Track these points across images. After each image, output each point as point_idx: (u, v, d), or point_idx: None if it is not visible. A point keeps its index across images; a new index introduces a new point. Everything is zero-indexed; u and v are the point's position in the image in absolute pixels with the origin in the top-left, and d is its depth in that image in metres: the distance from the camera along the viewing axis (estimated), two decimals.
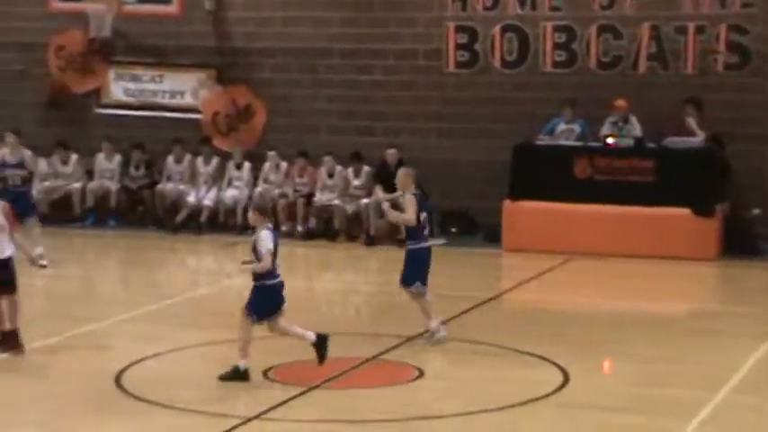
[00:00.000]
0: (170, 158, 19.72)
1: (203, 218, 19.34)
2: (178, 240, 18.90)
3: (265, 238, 10.73)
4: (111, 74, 20.14)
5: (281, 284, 10.98)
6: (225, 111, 19.83)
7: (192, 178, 19.66)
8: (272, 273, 10.82)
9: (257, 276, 10.85)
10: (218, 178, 19.64)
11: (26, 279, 15.65)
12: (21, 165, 16.03)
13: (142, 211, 19.85)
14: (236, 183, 19.50)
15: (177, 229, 19.22)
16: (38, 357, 11.95)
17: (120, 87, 20.16)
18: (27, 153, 16.21)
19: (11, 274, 11.66)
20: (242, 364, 10.86)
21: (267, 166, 19.39)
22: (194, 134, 19.77)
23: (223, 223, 19.49)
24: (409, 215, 12.10)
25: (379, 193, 18.51)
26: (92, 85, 20.20)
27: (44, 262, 15.99)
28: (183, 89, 20.00)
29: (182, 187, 19.53)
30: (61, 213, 19.49)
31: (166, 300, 14.38)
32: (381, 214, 15.45)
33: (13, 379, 11.23)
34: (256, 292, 10.90)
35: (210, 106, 19.91)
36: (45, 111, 20.33)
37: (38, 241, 16.06)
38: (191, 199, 19.34)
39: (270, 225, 10.94)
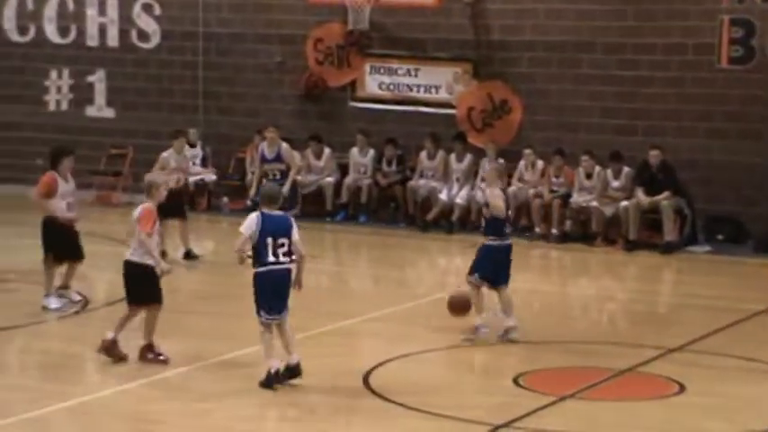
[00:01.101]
0: (423, 154, 19.45)
1: (455, 216, 19.00)
2: (429, 238, 18.63)
3: (247, 219, 10.38)
4: (367, 67, 20.02)
5: (276, 273, 10.31)
6: (480, 106, 19.41)
7: (445, 175, 19.33)
8: (262, 260, 10.29)
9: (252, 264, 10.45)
10: (470, 176, 19.24)
11: None
12: (279, 158, 16.04)
13: (393, 208, 19.67)
14: None
15: (428, 226, 18.94)
16: None
17: (374, 81, 20.03)
18: (284, 146, 16.26)
19: (155, 283, 11.06)
20: (272, 365, 10.29)
21: (522, 164, 18.86)
22: (448, 130, 19.45)
23: (475, 222, 19.07)
24: (499, 205, 12.01)
25: (640, 195, 17.72)
26: (347, 79, 20.15)
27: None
28: (439, 83, 19.67)
29: (434, 184, 19.23)
30: (313, 208, 19.47)
31: (416, 300, 14.06)
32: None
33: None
34: (253, 282, 10.47)
35: (465, 101, 19.53)
36: (301, 104, 20.42)
37: None
38: (443, 196, 19.01)
39: (265, 210, 10.41)
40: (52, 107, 21.47)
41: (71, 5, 21.27)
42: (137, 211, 10.97)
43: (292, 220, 10.57)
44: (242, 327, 12.67)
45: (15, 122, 21.63)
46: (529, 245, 18.20)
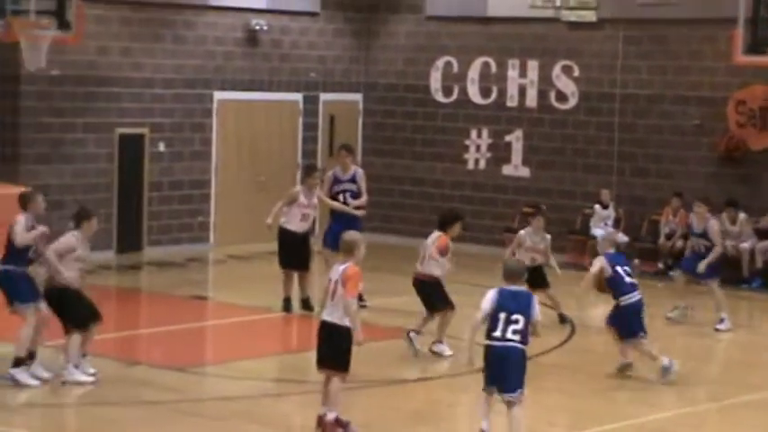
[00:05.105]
0: None
1: None
2: None
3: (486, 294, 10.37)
4: None
5: (499, 349, 10.16)
6: None
7: None
8: (489, 333, 10.17)
9: None
10: None
11: (706, 341, 15.43)
12: (705, 234, 15.93)
13: None
14: None
15: None
16: None
17: None
18: (711, 222, 16.04)
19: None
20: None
21: None
22: None
23: None
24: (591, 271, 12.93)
25: None
26: None
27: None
28: None
29: None
30: (728, 273, 18.86)
31: None
32: None
33: None
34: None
35: None
36: (718, 166, 19.94)
37: (721, 305, 15.72)
38: None
39: (505, 285, 10.25)
40: (471, 166, 22.14)
41: (494, 68, 21.89)
42: (339, 270, 10.37)
43: (534, 299, 10.22)
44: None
45: (436, 180, 22.48)
46: None
